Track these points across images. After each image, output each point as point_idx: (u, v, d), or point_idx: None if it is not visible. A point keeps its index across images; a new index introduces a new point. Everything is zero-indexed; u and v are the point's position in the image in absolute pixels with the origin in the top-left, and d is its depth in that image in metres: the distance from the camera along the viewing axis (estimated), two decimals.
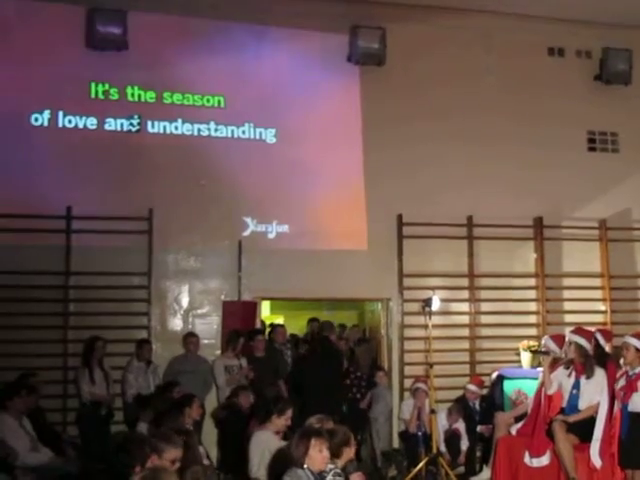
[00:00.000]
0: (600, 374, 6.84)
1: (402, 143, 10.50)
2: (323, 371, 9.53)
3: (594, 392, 6.79)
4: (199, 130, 10.20)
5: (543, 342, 7.89)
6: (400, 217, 10.46)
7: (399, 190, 10.40)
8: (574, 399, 6.90)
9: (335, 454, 5.08)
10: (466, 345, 10.55)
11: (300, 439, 4.75)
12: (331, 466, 4.98)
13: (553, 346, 7.41)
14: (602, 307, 10.92)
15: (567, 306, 10.89)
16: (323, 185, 10.33)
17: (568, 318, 10.53)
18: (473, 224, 10.69)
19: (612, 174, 11.23)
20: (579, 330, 7.16)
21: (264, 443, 6.22)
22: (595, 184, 11.17)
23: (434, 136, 10.61)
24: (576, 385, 6.93)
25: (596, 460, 6.49)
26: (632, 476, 6.47)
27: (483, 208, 10.62)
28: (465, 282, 10.64)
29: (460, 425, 9.16)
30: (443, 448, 8.86)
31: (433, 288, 9.60)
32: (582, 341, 6.96)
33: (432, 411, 8.90)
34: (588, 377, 6.86)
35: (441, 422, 9.01)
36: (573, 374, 6.98)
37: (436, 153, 10.61)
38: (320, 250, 10.12)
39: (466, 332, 10.58)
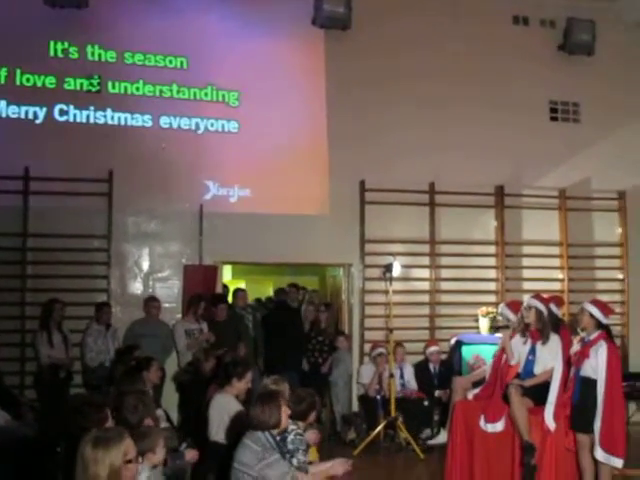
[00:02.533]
0: (555, 340, 6.95)
1: (366, 108, 10.49)
2: (282, 334, 9.68)
3: (549, 357, 6.91)
4: (161, 91, 10.07)
5: (499, 309, 7.99)
6: (363, 183, 10.47)
7: (362, 155, 10.40)
8: (530, 365, 7.01)
9: (302, 417, 5.12)
10: (426, 311, 10.65)
11: (265, 402, 4.75)
12: (293, 427, 5.01)
13: (509, 313, 7.50)
14: (560, 275, 11.08)
15: (526, 274, 11.03)
16: (286, 149, 10.28)
17: (526, 285, 10.69)
18: (435, 191, 10.74)
19: (573, 144, 11.33)
20: (538, 296, 7.26)
21: (224, 406, 6.24)
22: (556, 153, 11.27)
23: (398, 101, 10.61)
24: (532, 351, 7.03)
25: (550, 423, 6.61)
26: (580, 440, 6.65)
27: (445, 175, 10.67)
28: (426, 248, 10.71)
29: None
30: None
31: (394, 254, 9.67)
32: (541, 307, 7.07)
33: (391, 375, 9.03)
34: (544, 343, 6.96)
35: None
36: (529, 340, 7.08)
37: (400, 119, 10.61)
38: (282, 215, 10.09)
39: (426, 298, 10.68)
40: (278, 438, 4.77)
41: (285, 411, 4.83)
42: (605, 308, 6.76)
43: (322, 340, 10.12)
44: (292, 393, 5.53)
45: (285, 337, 9.73)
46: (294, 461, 4.83)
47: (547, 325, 7.02)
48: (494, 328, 8.97)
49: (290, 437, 4.96)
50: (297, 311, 10.42)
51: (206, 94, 10.23)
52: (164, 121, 10.04)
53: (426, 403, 9.36)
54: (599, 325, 6.66)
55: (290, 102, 10.43)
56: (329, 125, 10.46)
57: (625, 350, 11.11)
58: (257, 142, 10.21)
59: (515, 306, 7.54)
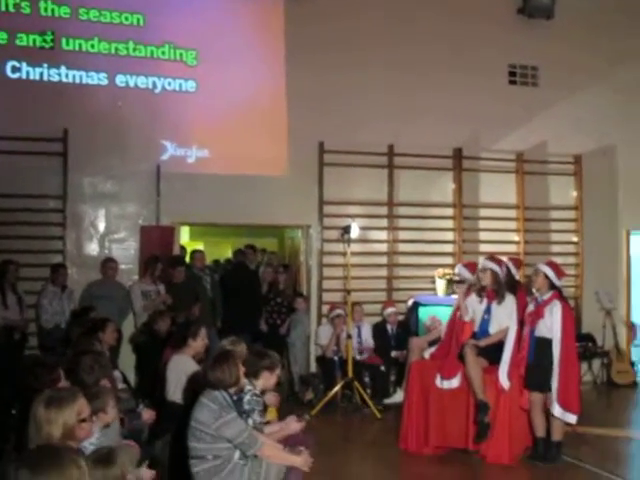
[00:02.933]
0: (510, 300, 7.07)
1: (326, 70, 10.39)
2: (239, 295, 9.71)
3: (504, 317, 7.02)
4: (116, 49, 9.85)
5: (456, 270, 8.08)
6: (322, 144, 10.43)
7: (321, 117, 10.33)
8: (485, 324, 7.13)
9: (254, 374, 5.12)
10: (384, 272, 10.71)
11: (222, 361, 4.75)
12: (249, 387, 5.03)
13: (466, 273, 7.60)
14: (516, 237, 11.21)
15: (482, 236, 11.14)
16: (244, 110, 10.17)
17: (483, 248, 10.79)
18: (394, 153, 10.75)
19: (531, 108, 11.38)
20: (493, 258, 7.36)
21: (181, 367, 6.25)
22: (514, 117, 11.32)
23: (358, 64, 10.53)
24: (487, 311, 7.14)
25: (504, 382, 6.75)
26: (533, 399, 6.81)
27: (404, 138, 10.67)
28: (384, 210, 10.74)
29: None
30: None
31: (352, 216, 9.70)
32: (496, 268, 7.16)
33: (348, 336, 9.10)
34: (499, 303, 7.08)
35: None
36: (485, 300, 7.18)
37: (360, 81, 10.53)
38: (240, 175, 10.02)
39: (384, 260, 10.74)
40: (235, 398, 4.79)
41: (242, 371, 4.86)
42: (558, 270, 6.89)
43: (280, 302, 10.15)
44: (252, 350, 5.56)
45: (242, 298, 9.77)
46: (250, 421, 4.85)
47: (502, 286, 7.13)
48: (448, 281, 9.02)
49: (246, 397, 4.98)
50: (254, 272, 10.43)
51: (163, 52, 10.04)
52: (120, 80, 9.85)
53: (382, 368, 9.46)
54: (552, 286, 6.80)
55: (249, 62, 10.29)
56: (288, 86, 10.36)
57: (578, 311, 11.34)
58: (215, 102, 10.08)
59: (472, 267, 7.65)
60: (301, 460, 4.66)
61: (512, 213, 11.30)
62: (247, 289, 9.98)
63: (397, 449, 7.24)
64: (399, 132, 10.67)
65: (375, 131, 10.49)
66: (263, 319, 10.01)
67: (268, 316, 10.07)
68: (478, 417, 6.63)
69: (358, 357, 9.49)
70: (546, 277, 6.80)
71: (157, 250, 9.51)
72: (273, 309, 10.10)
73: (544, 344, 6.68)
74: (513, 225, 11.29)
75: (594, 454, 7.15)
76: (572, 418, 6.65)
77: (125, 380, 7.05)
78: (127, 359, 8.59)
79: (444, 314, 8.34)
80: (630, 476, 6.60)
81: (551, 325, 6.67)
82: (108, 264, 9.27)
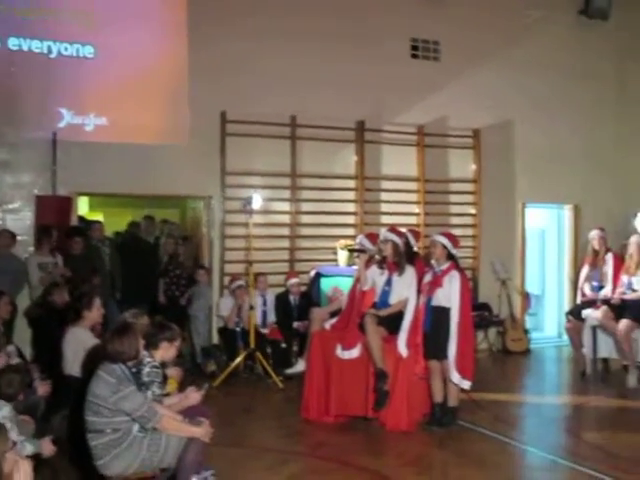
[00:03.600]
0: (409, 271, 7.20)
1: (229, 39, 10.22)
2: (134, 266, 9.59)
3: (404, 288, 7.16)
4: (9, 10, 9.40)
5: (358, 240, 8.16)
6: (224, 114, 10.30)
7: (224, 87, 10.19)
8: (385, 295, 7.25)
9: (154, 346, 5.06)
10: (286, 244, 10.72)
11: (122, 334, 4.67)
12: (148, 359, 4.97)
13: (367, 244, 7.70)
14: (416, 209, 11.40)
15: (384, 208, 11.28)
16: (145, 77, 9.94)
17: (384, 219, 10.93)
18: (296, 124, 10.72)
19: (432, 82, 11.55)
20: (394, 229, 7.47)
21: (78, 340, 6.13)
22: (416, 91, 11.46)
23: (261, 33, 10.42)
24: (388, 282, 7.26)
25: (402, 350, 6.90)
26: (431, 366, 7.00)
27: (307, 109, 10.65)
28: (287, 182, 10.72)
29: None
30: None
31: (255, 187, 9.68)
32: (397, 239, 7.27)
33: (250, 307, 9.11)
34: (400, 274, 7.20)
35: None
36: (385, 272, 7.29)
37: (263, 51, 10.42)
38: (140, 145, 9.79)
39: (286, 231, 10.75)
40: (134, 370, 4.73)
41: (142, 343, 4.80)
42: (454, 239, 7.08)
43: (179, 273, 10.08)
44: (153, 322, 5.49)
45: (137, 270, 9.67)
46: (149, 393, 4.80)
47: (403, 257, 7.25)
48: (349, 250, 9.08)
49: (146, 370, 4.92)
50: (149, 244, 10.33)
51: (58, 15, 9.65)
52: (13, 43, 9.43)
53: (284, 345, 9.52)
54: (450, 256, 6.97)
55: (149, 29, 10.02)
56: (190, 54, 10.13)
57: (475, 281, 11.67)
58: (114, 69, 9.79)
59: (373, 238, 7.74)
60: (201, 431, 4.65)
61: (413, 185, 11.47)
62: (141, 261, 9.87)
63: (299, 418, 7.31)
64: (302, 103, 10.64)
65: (278, 102, 10.43)
66: (162, 291, 9.92)
67: (167, 288, 9.99)
68: (377, 385, 6.76)
69: (262, 329, 9.52)
70: (444, 247, 6.97)
71: (54, 221, 9.23)
72: (172, 281, 10.03)
73: (442, 313, 6.85)
74: (414, 197, 11.47)
75: (488, 418, 7.42)
76: (467, 384, 6.88)
77: (20, 354, 6.87)
78: (23, 333, 8.34)
79: (346, 285, 8.44)
80: (521, 438, 6.86)
81: (449, 294, 6.85)
82: (2, 235, 8.94)
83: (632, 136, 12.68)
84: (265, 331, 9.62)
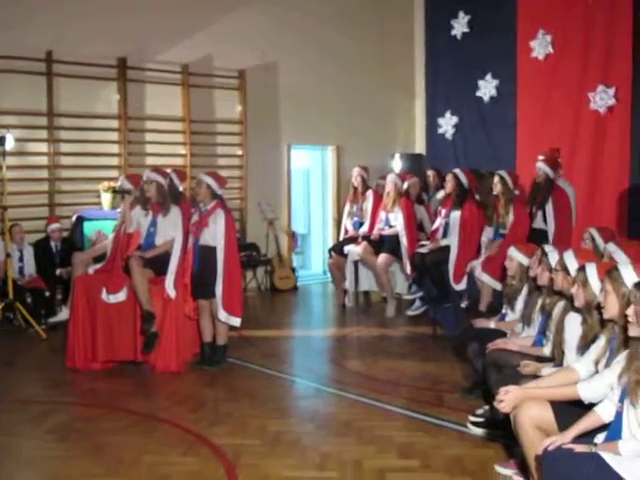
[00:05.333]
0: (175, 212, 7.11)
1: None
2: None
3: (169, 229, 7.06)
4: None
5: (119, 182, 7.92)
6: None
7: None
8: (151, 236, 7.12)
9: None
10: (45, 187, 10.08)
11: None
12: None
13: (129, 186, 7.48)
14: (182, 150, 11.22)
15: (149, 149, 10.96)
16: None
17: (150, 161, 10.64)
18: (53, 60, 10.04)
19: (196, 20, 11.22)
20: (158, 170, 7.31)
21: None
22: (179, 28, 11.10)
23: None
24: (153, 223, 7.13)
25: (170, 291, 6.84)
26: (200, 305, 7.01)
27: (64, 44, 9.97)
28: (43, 121, 10.05)
29: None
30: None
31: (7, 127, 9.00)
32: (161, 180, 7.13)
33: (7, 255, 8.57)
34: (164, 215, 7.09)
35: None
36: (150, 213, 7.15)
37: None
38: None
39: (45, 174, 10.11)
40: None
41: None
42: (220, 178, 7.08)
43: None
44: None
45: None
46: None
47: (167, 198, 7.14)
48: (114, 192, 8.77)
49: None
50: None
51: None
52: None
53: (47, 294, 9.06)
54: (215, 196, 6.97)
55: None
56: None
57: (243, 222, 11.78)
58: None
59: (136, 179, 7.54)
60: None
61: (178, 126, 11.25)
62: None
63: (64, 368, 7.03)
64: (59, 37, 9.92)
65: (31, 35, 9.66)
66: None
67: None
68: (144, 327, 6.68)
69: (19, 281, 8.99)
70: (208, 187, 6.94)
71: None
72: None
73: (209, 252, 6.86)
74: (179, 138, 11.25)
75: (258, 354, 7.63)
76: (236, 321, 6.97)
77: None
78: None
79: (109, 228, 8.19)
80: (289, 370, 7.12)
81: (215, 233, 6.86)
82: None
83: (389, 80, 13.29)
84: (25, 280, 9.09)
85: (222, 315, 6.88)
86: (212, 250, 6.84)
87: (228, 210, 7.14)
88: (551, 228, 8.13)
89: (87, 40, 10.12)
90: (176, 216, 7.08)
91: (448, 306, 8.59)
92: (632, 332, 3.25)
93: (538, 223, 8.33)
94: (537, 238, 7.43)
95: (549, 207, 8.18)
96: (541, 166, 8.37)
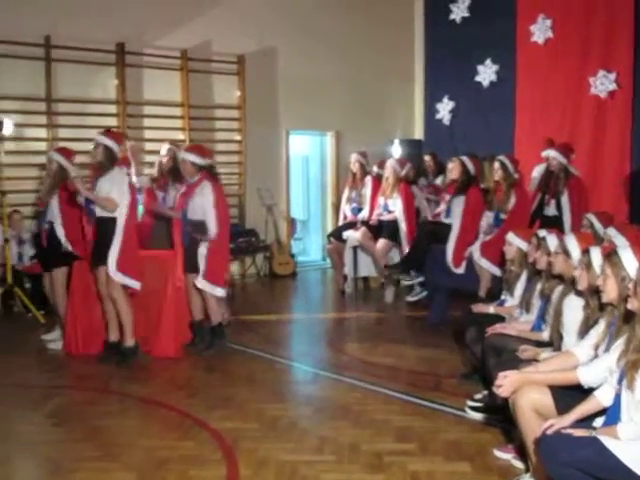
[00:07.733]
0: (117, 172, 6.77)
1: None
2: None
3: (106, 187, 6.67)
4: None
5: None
6: None
7: None
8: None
9: None
10: (43, 173, 10.07)
11: None
12: None
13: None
14: (181, 136, 11.17)
15: (148, 134, 10.95)
16: None
17: (149, 146, 10.62)
18: (51, 45, 9.99)
19: (195, 5, 11.20)
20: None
21: None
22: (179, 13, 11.06)
23: None
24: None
25: (113, 272, 6.56)
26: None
27: (63, 29, 9.92)
28: (42, 107, 10.02)
29: None
30: None
31: (6, 112, 8.98)
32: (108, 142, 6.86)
33: (6, 240, 8.56)
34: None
35: None
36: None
37: None
38: None
39: (43, 159, 10.05)
40: None
41: None
42: (202, 150, 7.08)
43: None
44: None
45: None
46: None
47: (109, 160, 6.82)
48: None
49: None
50: None
51: None
52: None
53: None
54: (200, 168, 6.92)
55: None
56: None
57: (242, 208, 11.76)
58: None
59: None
60: None
61: (177, 111, 11.22)
62: None
63: (62, 353, 7.04)
64: (57, 22, 9.86)
65: (29, 20, 9.62)
66: None
67: None
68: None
69: (18, 266, 8.98)
70: (193, 164, 6.90)
71: None
72: None
73: (197, 226, 6.83)
74: (178, 123, 11.22)
75: (257, 339, 7.63)
76: (220, 291, 6.92)
77: None
78: None
79: None
80: (288, 355, 7.13)
81: (202, 204, 6.81)
82: None
83: (388, 66, 13.22)
84: (23, 265, 9.08)
85: (200, 283, 6.80)
86: (197, 224, 6.79)
87: (216, 179, 7.03)
88: (567, 216, 7.97)
89: (86, 25, 10.09)
90: (119, 177, 6.67)
91: (439, 298, 8.38)
92: (630, 305, 3.21)
93: (551, 210, 8.24)
94: (549, 225, 7.31)
95: (564, 196, 8.07)
96: (555, 155, 8.23)
